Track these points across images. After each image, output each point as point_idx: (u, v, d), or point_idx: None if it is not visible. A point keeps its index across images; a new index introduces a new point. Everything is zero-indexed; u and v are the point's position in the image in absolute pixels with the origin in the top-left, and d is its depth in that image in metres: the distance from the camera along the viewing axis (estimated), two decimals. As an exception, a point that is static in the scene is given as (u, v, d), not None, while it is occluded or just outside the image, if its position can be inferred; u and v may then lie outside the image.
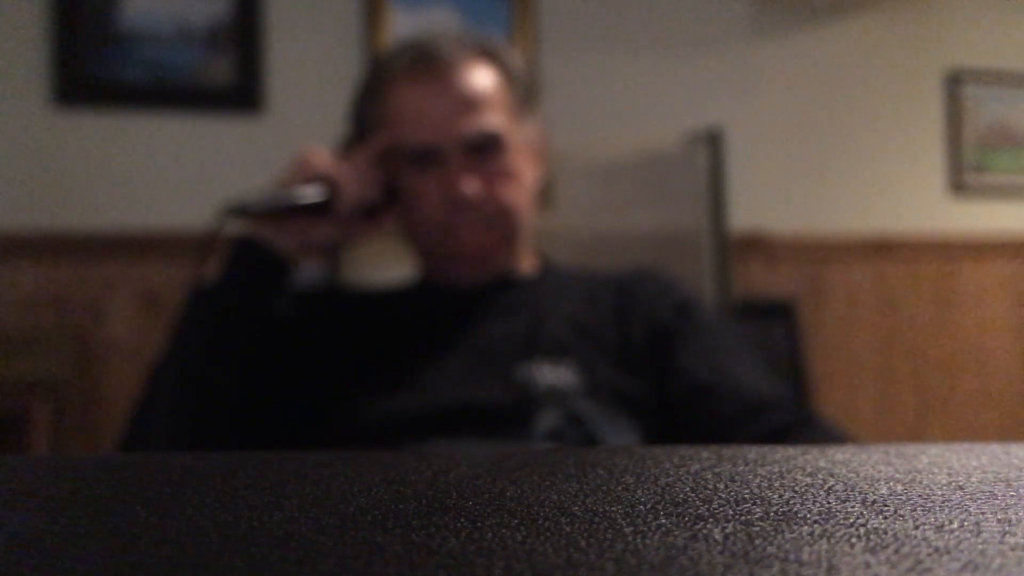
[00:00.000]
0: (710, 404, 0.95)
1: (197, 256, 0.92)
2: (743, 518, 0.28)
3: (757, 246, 2.38)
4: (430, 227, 1.00)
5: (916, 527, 0.27)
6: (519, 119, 1.03)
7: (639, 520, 0.28)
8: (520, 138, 1.02)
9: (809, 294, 2.47)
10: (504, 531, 0.27)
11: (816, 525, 0.27)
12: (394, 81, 1.00)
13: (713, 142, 1.26)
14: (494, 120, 0.99)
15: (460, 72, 0.99)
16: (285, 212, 0.93)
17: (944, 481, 0.33)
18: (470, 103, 0.98)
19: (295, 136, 1.90)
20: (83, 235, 2.00)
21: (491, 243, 1.00)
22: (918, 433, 2.57)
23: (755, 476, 0.34)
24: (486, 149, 0.98)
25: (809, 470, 0.35)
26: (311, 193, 0.93)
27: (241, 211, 0.92)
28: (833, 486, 0.32)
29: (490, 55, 1.02)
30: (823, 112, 2.56)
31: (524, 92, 1.04)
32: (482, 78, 1.00)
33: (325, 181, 0.94)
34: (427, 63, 0.99)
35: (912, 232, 2.62)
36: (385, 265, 1.25)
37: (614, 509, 0.29)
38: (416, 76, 0.99)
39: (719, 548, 0.25)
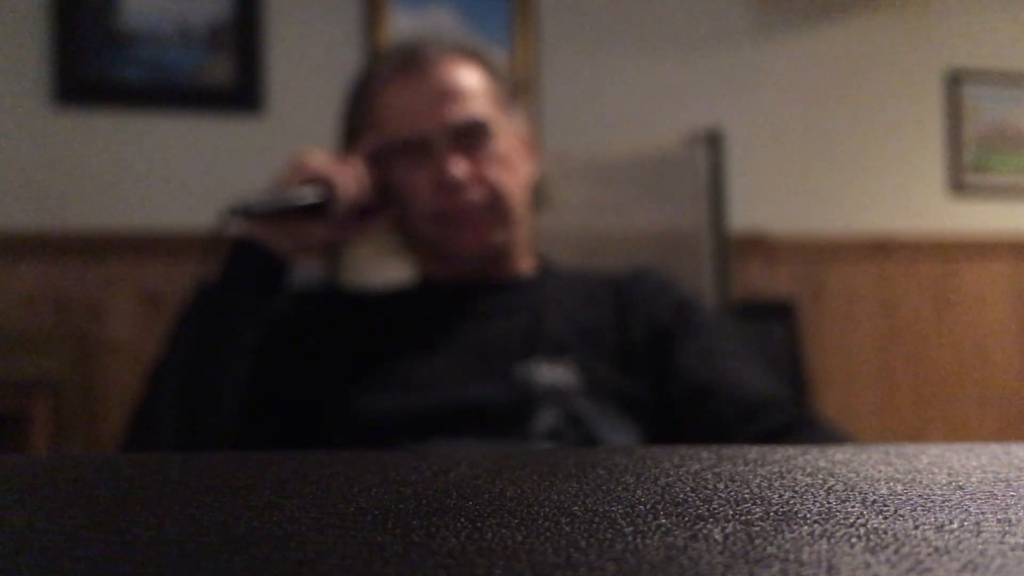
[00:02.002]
0: (709, 404, 0.95)
1: (199, 257, 0.93)
2: (743, 518, 0.28)
3: (757, 246, 2.38)
4: (425, 218, 1.00)
5: (916, 527, 0.27)
6: (505, 111, 1.04)
7: (639, 520, 0.28)
8: (508, 129, 1.03)
9: (809, 294, 2.47)
10: (504, 531, 0.27)
11: (816, 525, 0.27)
12: (381, 83, 1.02)
13: (713, 142, 1.26)
14: (479, 107, 1.00)
15: (443, 67, 1.01)
16: (284, 213, 0.94)
17: (944, 481, 0.33)
18: (454, 94, 1.00)
19: (295, 136, 1.90)
20: (83, 235, 2.00)
21: (486, 227, 1.01)
22: (918, 433, 2.57)
23: (755, 476, 0.34)
24: (473, 136, 0.99)
25: (809, 470, 0.35)
26: (309, 194, 0.94)
27: (244, 212, 0.92)
28: (833, 486, 0.32)
29: (472, 55, 1.04)
30: (823, 112, 2.56)
31: (508, 90, 1.06)
32: (465, 72, 1.02)
33: (322, 182, 0.94)
34: (411, 63, 1.01)
35: (912, 232, 2.62)
36: (385, 265, 1.25)
37: (614, 509, 0.29)
38: (401, 75, 1.01)
39: (719, 548, 0.25)
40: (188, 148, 2.09)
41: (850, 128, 2.59)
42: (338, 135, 1.07)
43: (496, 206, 1.00)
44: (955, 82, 2.68)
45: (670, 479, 0.34)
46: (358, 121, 1.03)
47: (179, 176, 2.08)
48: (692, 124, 1.46)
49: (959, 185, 2.69)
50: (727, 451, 0.38)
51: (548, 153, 1.12)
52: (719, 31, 2.46)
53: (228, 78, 2.10)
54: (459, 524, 0.28)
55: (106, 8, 2.03)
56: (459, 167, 0.98)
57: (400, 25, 2.18)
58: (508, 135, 1.03)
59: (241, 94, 2.11)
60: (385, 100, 1.01)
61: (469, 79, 1.02)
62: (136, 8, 2.05)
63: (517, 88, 1.08)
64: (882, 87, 2.62)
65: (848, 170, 2.58)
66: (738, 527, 0.27)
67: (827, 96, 2.57)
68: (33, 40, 2.01)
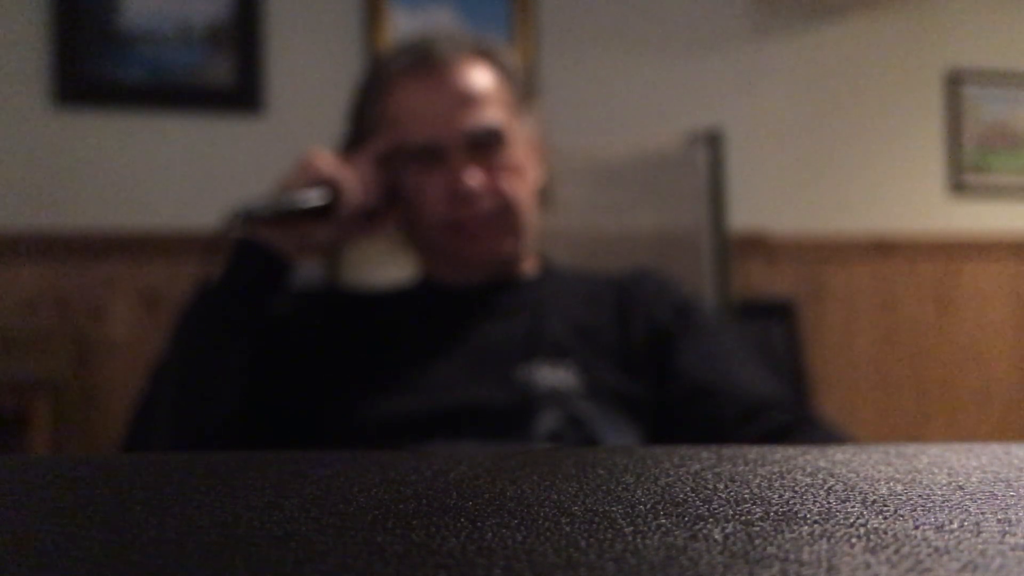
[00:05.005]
0: (709, 405, 0.95)
1: (201, 258, 0.92)
2: (743, 518, 0.28)
3: (757, 246, 2.38)
4: (436, 225, 1.00)
5: (916, 527, 0.27)
6: (518, 116, 1.03)
7: (639, 520, 0.28)
8: (520, 135, 1.03)
9: (809, 294, 2.47)
10: (504, 531, 0.27)
11: (816, 525, 0.27)
12: (393, 82, 1.01)
13: (713, 142, 1.26)
14: (495, 115, 0.99)
15: (459, 70, 1.00)
16: (289, 216, 0.94)
17: (944, 481, 0.33)
18: (470, 99, 0.99)
19: (295, 136, 1.90)
20: (83, 235, 2.00)
21: (497, 238, 1.00)
22: (918, 433, 2.57)
23: (755, 476, 0.34)
24: (488, 144, 0.99)
25: (809, 470, 0.35)
26: (314, 197, 0.93)
27: (248, 216, 0.92)
28: (833, 486, 0.32)
29: (487, 54, 1.02)
30: (823, 112, 2.56)
31: (522, 91, 1.05)
32: (480, 76, 1.00)
33: (328, 184, 0.94)
34: (426, 63, 1.00)
35: (912, 232, 2.62)
36: (385, 265, 1.25)
37: (614, 509, 0.29)
38: (415, 76, 1.00)
39: (719, 548, 0.25)
40: (188, 148, 2.09)
41: (850, 128, 2.59)
42: (345, 130, 1.06)
43: (507, 217, 1.00)
44: (955, 82, 2.68)
45: (670, 479, 0.34)
46: (368, 119, 1.03)
47: (179, 176, 2.08)
48: (692, 124, 1.46)
49: (959, 185, 2.69)
50: (727, 451, 0.38)
51: (549, 152, 1.12)
52: (719, 31, 2.46)
53: (228, 78, 2.10)
54: (459, 524, 0.28)
55: (106, 8, 2.03)
56: (474, 178, 0.97)
57: (400, 25, 2.18)
58: (520, 141, 1.03)
59: (241, 94, 2.11)
60: (397, 100, 1.00)
61: (484, 82, 1.00)
62: (136, 8, 2.05)
63: (530, 88, 1.07)
64: (882, 87, 2.62)
65: (848, 170, 2.58)
66: (738, 527, 0.27)
67: (827, 96, 2.57)
68: (33, 40, 2.01)
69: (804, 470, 0.35)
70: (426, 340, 0.98)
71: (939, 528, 0.27)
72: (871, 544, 0.25)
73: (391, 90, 1.01)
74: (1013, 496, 0.31)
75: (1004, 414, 2.67)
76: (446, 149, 0.97)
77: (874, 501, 0.30)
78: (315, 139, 1.17)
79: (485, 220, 0.99)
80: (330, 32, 2.18)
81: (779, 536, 0.26)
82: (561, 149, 1.21)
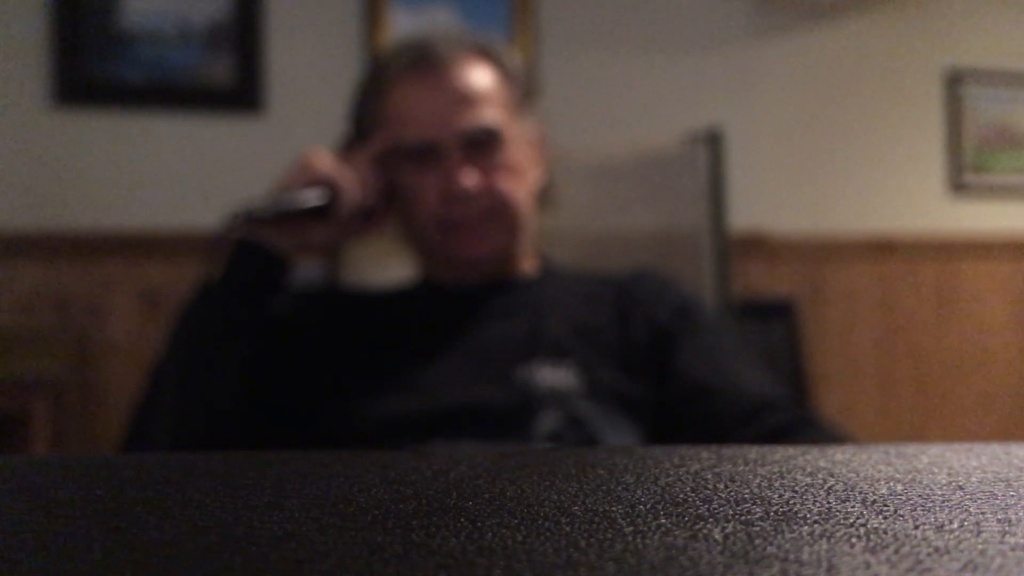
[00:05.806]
0: (709, 405, 0.95)
1: (200, 259, 0.93)
2: (743, 518, 0.28)
3: (757, 246, 2.38)
4: (431, 224, 1.00)
5: (916, 527, 0.27)
6: (518, 117, 1.03)
7: (639, 520, 0.28)
8: (519, 135, 1.02)
9: (809, 294, 2.47)
10: (504, 531, 0.27)
11: (816, 525, 0.27)
12: (392, 81, 1.01)
13: (713, 142, 1.26)
14: (492, 115, 0.99)
15: (457, 69, 1.00)
16: (287, 216, 0.94)
17: (944, 481, 0.33)
18: (467, 99, 0.99)
19: (295, 136, 1.90)
20: (83, 235, 2.00)
21: (492, 237, 1.00)
22: (918, 433, 2.57)
23: (755, 476, 0.34)
24: (484, 144, 0.98)
25: (809, 470, 0.35)
26: (313, 197, 0.93)
27: (248, 218, 0.92)
28: (833, 486, 0.32)
29: (487, 54, 1.02)
30: (823, 112, 2.56)
31: (522, 92, 1.04)
32: (479, 75, 1.00)
33: (326, 184, 0.94)
34: (425, 62, 1.00)
35: (912, 232, 2.62)
36: (385, 265, 1.25)
37: (614, 509, 0.29)
38: (414, 75, 1.00)
39: (719, 548, 0.25)
40: (188, 148, 2.09)
41: (850, 128, 2.59)
42: (346, 129, 1.06)
43: (502, 216, 1.00)
44: (955, 82, 2.68)
45: (670, 479, 0.34)
46: (368, 118, 1.03)
47: (179, 176, 2.08)
48: (692, 124, 1.46)
49: (959, 185, 2.68)
50: (727, 451, 0.38)
51: (550, 153, 1.12)
52: (719, 31, 2.46)
53: (228, 78, 2.10)
54: (459, 524, 0.28)
55: (106, 8, 2.03)
56: (469, 178, 0.97)
57: (400, 25, 2.18)
58: (519, 141, 1.02)
59: (241, 94, 2.11)
60: (396, 99, 1.00)
61: (483, 81, 1.00)
62: (136, 8, 2.05)
63: (531, 87, 1.07)
64: (882, 87, 2.62)
65: (848, 170, 2.58)
66: (738, 527, 0.27)
67: (827, 96, 2.57)
68: (33, 40, 2.01)
69: (804, 470, 0.35)
70: (426, 340, 0.98)
71: (939, 528, 0.27)
72: (871, 544, 0.25)
73: (390, 89, 1.01)
74: (1013, 496, 0.31)
75: (1004, 414, 2.67)
76: (442, 148, 0.97)
77: (874, 501, 0.30)
78: (315, 139, 1.17)
79: (479, 220, 0.99)
80: (330, 32, 2.18)
81: (779, 536, 0.26)
82: (561, 149, 1.21)
